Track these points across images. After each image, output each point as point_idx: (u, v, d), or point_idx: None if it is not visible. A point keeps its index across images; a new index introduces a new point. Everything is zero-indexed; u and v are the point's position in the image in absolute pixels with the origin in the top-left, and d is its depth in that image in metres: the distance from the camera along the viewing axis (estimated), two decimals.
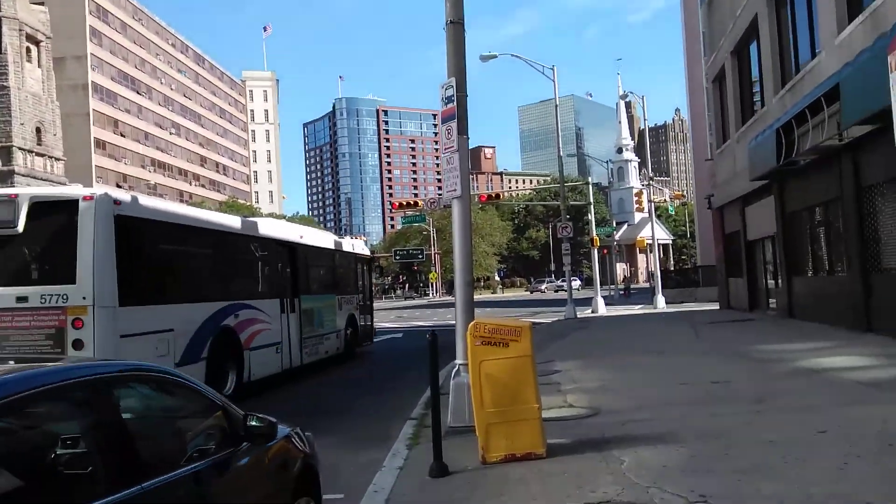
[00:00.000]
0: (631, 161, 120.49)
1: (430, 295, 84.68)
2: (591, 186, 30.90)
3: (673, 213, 42.57)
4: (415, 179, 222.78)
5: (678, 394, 8.80)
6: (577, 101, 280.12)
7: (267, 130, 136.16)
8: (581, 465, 5.79)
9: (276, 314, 13.05)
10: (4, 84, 53.21)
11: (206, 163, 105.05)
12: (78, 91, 75.06)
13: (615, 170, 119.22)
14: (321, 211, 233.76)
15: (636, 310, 33.55)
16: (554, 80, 26.63)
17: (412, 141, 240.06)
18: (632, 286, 59.83)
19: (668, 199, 38.94)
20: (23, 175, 53.57)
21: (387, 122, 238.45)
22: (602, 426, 7.11)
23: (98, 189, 9.30)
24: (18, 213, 8.64)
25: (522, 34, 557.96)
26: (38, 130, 56.19)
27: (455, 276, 7.71)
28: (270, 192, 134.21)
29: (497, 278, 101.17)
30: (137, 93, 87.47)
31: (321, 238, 17.14)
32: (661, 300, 32.22)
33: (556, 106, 27.53)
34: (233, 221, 13.48)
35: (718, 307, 27.02)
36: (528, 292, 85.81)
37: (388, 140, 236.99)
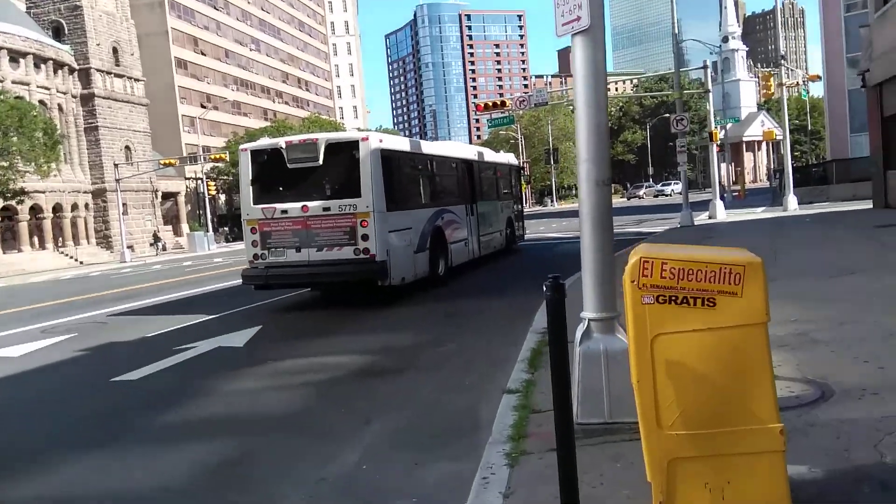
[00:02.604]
0: (738, 50, 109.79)
1: None
2: (708, 71, 26.14)
3: (806, 98, 37.18)
4: (500, 87, 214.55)
5: None
6: None
7: (348, 43, 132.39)
8: None
9: (463, 217, 16.40)
10: (78, 3, 51.76)
11: (288, 79, 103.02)
12: (155, 9, 73.53)
13: (720, 61, 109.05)
14: (406, 123, 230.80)
15: (759, 213, 29.17)
16: None
17: (497, 46, 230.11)
18: (739, 188, 53.94)
19: (801, 82, 33.19)
20: (103, 97, 52.87)
21: (470, 28, 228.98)
22: (859, 427, 3.93)
23: (371, 133, 12.75)
24: (319, 151, 12.00)
25: None
26: (114, 51, 54.95)
27: (579, 170, 4.56)
28: (354, 106, 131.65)
29: None
30: (215, 8, 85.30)
31: (486, 153, 20.23)
32: (792, 201, 27.65)
33: None
34: (438, 148, 16.66)
35: (872, 206, 22.48)
36: (625, 199, 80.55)
37: (471, 46, 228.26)
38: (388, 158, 12.35)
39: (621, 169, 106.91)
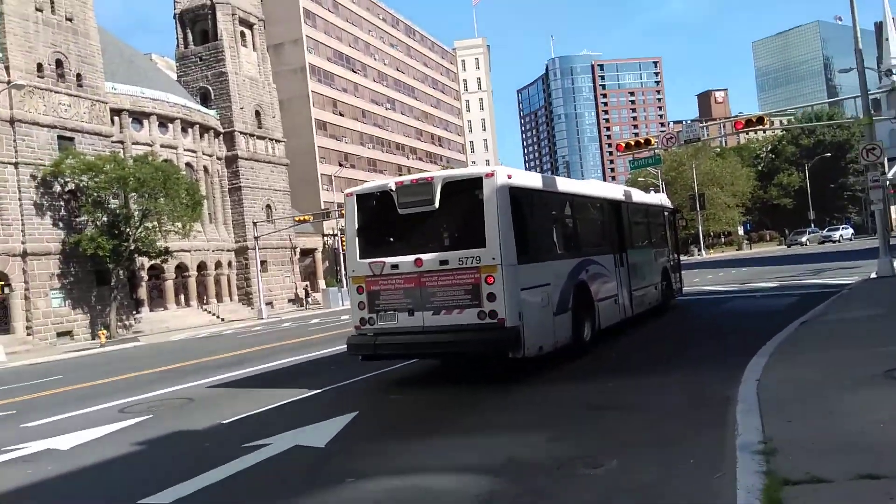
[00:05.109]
0: None
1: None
2: None
3: None
4: (636, 134, 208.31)
5: None
6: (824, 28, 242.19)
7: (480, 99, 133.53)
8: None
9: (612, 268, 13.78)
10: (223, 70, 54.37)
11: (422, 136, 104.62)
12: (297, 74, 76.90)
13: (882, 97, 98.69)
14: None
15: None
16: None
17: (631, 94, 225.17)
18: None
19: None
20: (246, 159, 54.78)
21: (603, 77, 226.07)
22: None
23: (497, 167, 10.26)
24: (435, 192, 10.06)
25: None
26: (257, 114, 57.11)
27: None
28: (487, 160, 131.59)
29: (742, 233, 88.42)
30: (353, 71, 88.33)
31: (635, 193, 17.62)
32: None
33: None
34: (578, 186, 14.59)
35: None
36: (786, 246, 72.92)
37: (605, 96, 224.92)
38: (518, 198, 10.09)
39: (775, 214, 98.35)
